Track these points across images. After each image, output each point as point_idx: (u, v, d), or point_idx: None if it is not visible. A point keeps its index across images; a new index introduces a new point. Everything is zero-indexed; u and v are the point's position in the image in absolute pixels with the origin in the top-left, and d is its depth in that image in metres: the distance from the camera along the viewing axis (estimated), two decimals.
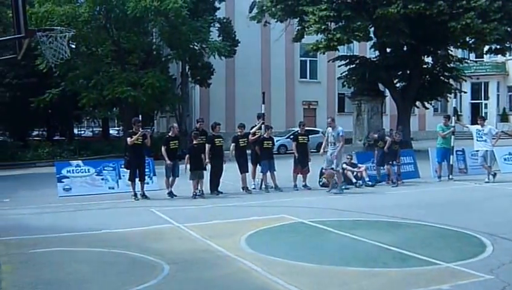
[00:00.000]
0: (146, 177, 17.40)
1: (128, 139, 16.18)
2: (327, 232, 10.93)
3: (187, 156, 16.51)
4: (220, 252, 9.27)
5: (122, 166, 17.08)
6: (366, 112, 34.88)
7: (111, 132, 53.94)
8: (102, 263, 8.85)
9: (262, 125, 18.10)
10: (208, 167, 16.76)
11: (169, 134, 17.26)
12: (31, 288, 7.47)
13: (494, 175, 19.07)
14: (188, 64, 38.16)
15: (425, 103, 38.79)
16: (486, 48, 34.92)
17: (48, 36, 7.88)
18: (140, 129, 16.53)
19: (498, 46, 33.74)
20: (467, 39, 33.13)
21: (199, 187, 16.41)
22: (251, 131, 18.01)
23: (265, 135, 17.80)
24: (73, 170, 17.65)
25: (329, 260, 8.61)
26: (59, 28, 8.62)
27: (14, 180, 24.39)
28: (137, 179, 16.25)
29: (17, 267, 8.55)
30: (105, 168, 17.95)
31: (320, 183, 18.30)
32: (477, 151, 19.46)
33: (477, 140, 19.23)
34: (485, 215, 12.74)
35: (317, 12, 30.61)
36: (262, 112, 18.81)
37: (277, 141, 29.47)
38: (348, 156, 19.10)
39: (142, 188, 16.38)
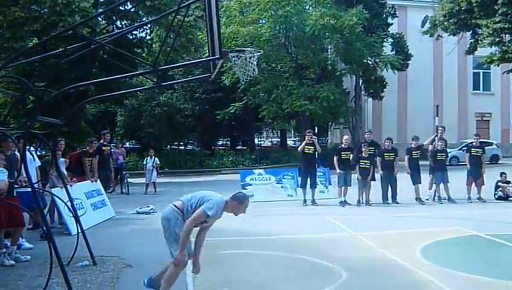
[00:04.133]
0: (322, 186, 17.59)
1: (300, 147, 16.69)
2: (504, 246, 10.34)
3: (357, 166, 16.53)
4: (394, 262, 9.08)
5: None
6: None
7: (288, 142, 54.89)
8: (284, 266, 8.97)
9: (436, 138, 17.60)
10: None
11: (342, 145, 17.30)
12: (220, 287, 7.75)
13: None
14: (362, 78, 38.02)
15: None
16: None
17: (238, 56, 8.18)
18: (312, 138, 16.79)
19: None
20: None
21: (365, 196, 16.51)
22: (424, 143, 17.64)
23: (438, 147, 17.25)
24: (255, 178, 18.26)
25: (507, 274, 8.11)
26: (249, 49, 8.93)
27: (202, 185, 25.55)
28: (308, 186, 16.48)
29: (206, 267, 8.91)
30: (285, 177, 18.37)
31: (496, 196, 17.37)
32: None
33: None
34: None
35: (491, 24, 29.29)
36: (437, 124, 18.26)
37: (449, 152, 28.44)
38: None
39: (313, 195, 16.52)
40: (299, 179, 17.29)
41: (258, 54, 8.49)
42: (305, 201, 16.62)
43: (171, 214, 6.77)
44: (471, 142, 17.98)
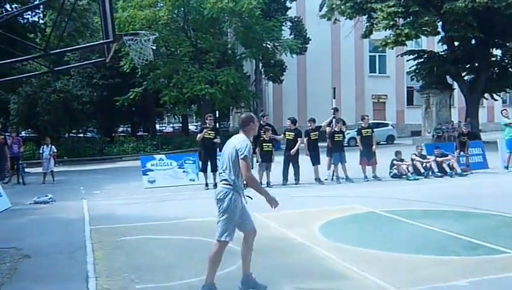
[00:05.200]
0: None
1: (199, 135, 16.73)
2: (398, 221, 10.84)
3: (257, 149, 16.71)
4: (294, 240, 9.36)
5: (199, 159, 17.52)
6: (435, 105, 34.26)
7: (190, 127, 54.80)
8: (187, 249, 9.04)
9: (333, 119, 18.11)
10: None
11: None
12: (121, 272, 7.72)
13: None
14: (261, 62, 38.45)
15: (494, 95, 37.74)
16: None
17: (133, 40, 8.13)
18: (212, 124, 16.95)
19: None
20: None
21: (266, 178, 16.82)
22: (322, 124, 18.10)
23: (336, 129, 17.76)
24: (157, 164, 18.17)
25: (400, 248, 8.54)
26: (143, 32, 8.86)
27: (102, 173, 25.19)
28: (209, 170, 16.65)
29: (108, 253, 8.85)
30: (186, 162, 18.39)
31: (391, 174, 18.12)
32: None
33: None
34: None
35: (386, 8, 30.36)
36: (334, 106, 18.77)
37: (347, 134, 29.31)
38: (419, 148, 18.89)
39: (215, 178, 16.64)
40: (200, 163, 17.36)
41: (153, 37, 8.46)
42: (206, 185, 16.71)
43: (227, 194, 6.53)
44: (361, 125, 18.59)
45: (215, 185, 16.60)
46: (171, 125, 70.52)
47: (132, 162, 28.47)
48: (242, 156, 6.33)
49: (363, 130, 18.25)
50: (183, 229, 10.56)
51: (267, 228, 10.49)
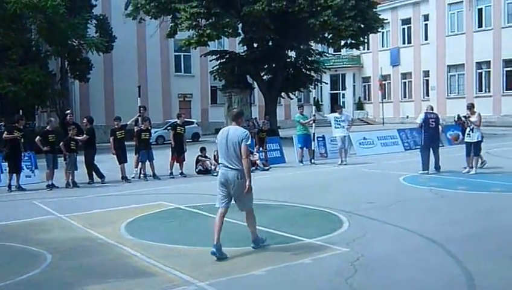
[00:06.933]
0: (28, 170, 16.95)
1: (5, 133, 15.83)
2: (202, 216, 11.00)
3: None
4: (100, 240, 9.17)
5: (4, 160, 16.40)
6: (236, 103, 35.20)
7: None
8: None
9: (139, 118, 18.01)
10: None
11: (47, 128, 16.74)
12: None
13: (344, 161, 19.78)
14: (67, 60, 37.10)
15: (290, 94, 39.81)
16: (342, 42, 36.26)
17: None
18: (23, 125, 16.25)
19: (353, 41, 35.25)
20: (326, 34, 34.38)
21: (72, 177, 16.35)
22: (128, 123, 17.97)
23: (142, 127, 17.67)
24: None
25: (203, 241, 8.64)
26: None
27: None
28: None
29: None
30: None
31: (197, 170, 18.42)
32: (336, 137, 20.14)
33: (335, 127, 19.83)
34: (342, 194, 13.35)
35: (189, 9, 30.69)
36: (139, 104, 18.62)
37: (155, 132, 29.33)
38: None
39: (18, 180, 15.87)
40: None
41: None
42: (9, 187, 15.73)
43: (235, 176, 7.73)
44: (176, 122, 18.73)
45: (19, 187, 15.76)
46: None
47: None
48: (246, 144, 7.71)
49: (178, 127, 18.27)
50: None
51: (72, 229, 10.22)
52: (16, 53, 33.51)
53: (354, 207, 11.14)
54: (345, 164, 19.39)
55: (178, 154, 17.98)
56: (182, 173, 17.94)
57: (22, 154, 16.30)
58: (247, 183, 7.67)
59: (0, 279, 6.99)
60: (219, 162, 8.10)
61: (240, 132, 7.77)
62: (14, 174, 15.79)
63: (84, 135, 16.93)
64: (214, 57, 37.22)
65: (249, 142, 7.76)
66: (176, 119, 19.14)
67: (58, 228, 10.37)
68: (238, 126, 7.96)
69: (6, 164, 15.97)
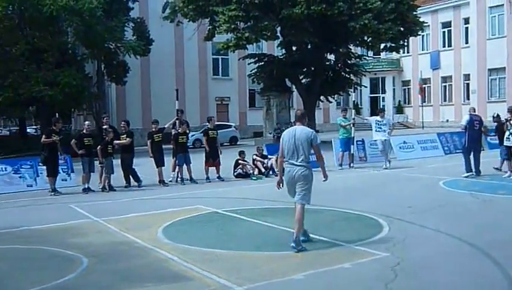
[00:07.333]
0: (64, 174, 17.11)
1: (43, 137, 15.99)
2: (239, 220, 10.96)
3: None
4: (137, 244, 9.14)
5: (40, 163, 16.56)
6: (275, 107, 35.23)
7: (28, 130, 52.09)
8: (21, 259, 8.53)
9: (177, 121, 18.02)
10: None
11: (83, 131, 16.85)
12: None
13: (390, 162, 19.61)
14: (104, 62, 37.46)
15: (329, 97, 39.47)
16: (382, 46, 35.89)
17: None
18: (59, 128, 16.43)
19: (392, 45, 34.82)
20: (365, 38, 33.97)
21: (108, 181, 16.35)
22: (165, 126, 17.99)
23: (179, 130, 17.68)
24: None
25: (241, 245, 8.63)
26: None
27: None
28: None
29: None
30: (23, 166, 17.24)
31: (235, 173, 18.35)
32: (376, 140, 19.92)
33: (376, 130, 19.66)
34: (382, 199, 13.15)
35: (227, 12, 30.72)
36: (177, 108, 18.66)
37: (192, 135, 29.38)
38: (260, 148, 19.31)
39: (54, 183, 16.02)
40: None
41: None
42: (54, 190, 15.91)
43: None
44: (207, 126, 18.71)
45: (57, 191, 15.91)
46: (8, 128, 66.56)
47: None
48: (318, 143, 8.62)
49: (209, 131, 18.27)
50: (18, 239, 9.95)
51: (108, 233, 10.22)
52: (52, 56, 34.01)
53: (394, 211, 10.96)
54: (385, 168, 19.14)
55: (213, 159, 17.94)
56: (219, 177, 17.88)
57: (59, 158, 16.46)
58: (324, 176, 8.97)
59: (37, 283, 7.00)
60: (285, 160, 8.58)
61: (309, 132, 8.44)
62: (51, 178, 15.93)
63: (128, 139, 17.00)
64: (252, 60, 37.13)
65: (319, 141, 8.60)
66: (207, 123, 19.09)
67: (95, 232, 10.39)
68: (304, 126, 8.55)
69: (44, 167, 16.16)
